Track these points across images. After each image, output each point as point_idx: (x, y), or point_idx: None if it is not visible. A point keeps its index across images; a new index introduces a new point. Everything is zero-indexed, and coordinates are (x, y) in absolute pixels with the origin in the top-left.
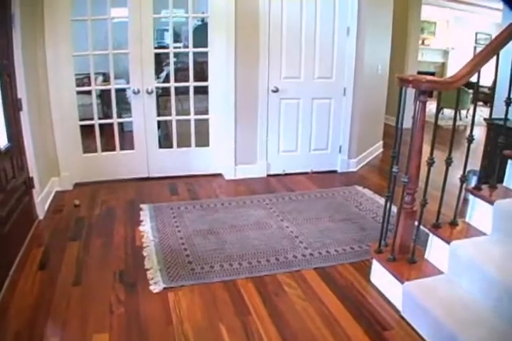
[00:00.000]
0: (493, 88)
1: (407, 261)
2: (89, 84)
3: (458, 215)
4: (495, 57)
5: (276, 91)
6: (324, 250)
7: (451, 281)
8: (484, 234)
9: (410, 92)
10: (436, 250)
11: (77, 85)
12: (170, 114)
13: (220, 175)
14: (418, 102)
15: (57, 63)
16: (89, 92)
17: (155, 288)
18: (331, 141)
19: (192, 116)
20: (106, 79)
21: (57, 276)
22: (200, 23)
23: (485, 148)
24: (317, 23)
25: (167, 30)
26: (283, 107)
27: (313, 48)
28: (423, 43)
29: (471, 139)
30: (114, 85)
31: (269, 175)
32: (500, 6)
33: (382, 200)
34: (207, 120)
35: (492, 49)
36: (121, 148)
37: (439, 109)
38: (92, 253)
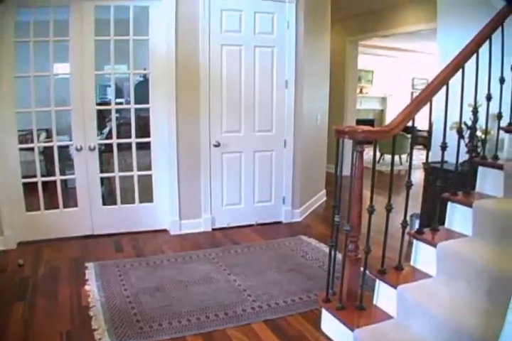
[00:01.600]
0: (429, 133)
1: (356, 307)
2: (32, 141)
3: (403, 259)
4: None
5: (217, 145)
6: (273, 302)
7: (401, 325)
8: (430, 276)
9: (349, 140)
10: (383, 295)
11: (20, 142)
12: (113, 170)
13: (165, 230)
14: (355, 152)
15: None
16: (32, 149)
17: None
18: (274, 192)
19: (135, 172)
20: (49, 135)
21: (3, 338)
22: (142, 78)
23: (424, 191)
24: (256, 77)
25: (109, 85)
26: (225, 161)
27: (252, 102)
28: (361, 92)
29: (409, 185)
30: (56, 142)
31: (214, 229)
32: (435, 49)
33: (327, 249)
34: (150, 175)
35: (425, 96)
36: (65, 206)
37: (376, 157)
38: (37, 313)
